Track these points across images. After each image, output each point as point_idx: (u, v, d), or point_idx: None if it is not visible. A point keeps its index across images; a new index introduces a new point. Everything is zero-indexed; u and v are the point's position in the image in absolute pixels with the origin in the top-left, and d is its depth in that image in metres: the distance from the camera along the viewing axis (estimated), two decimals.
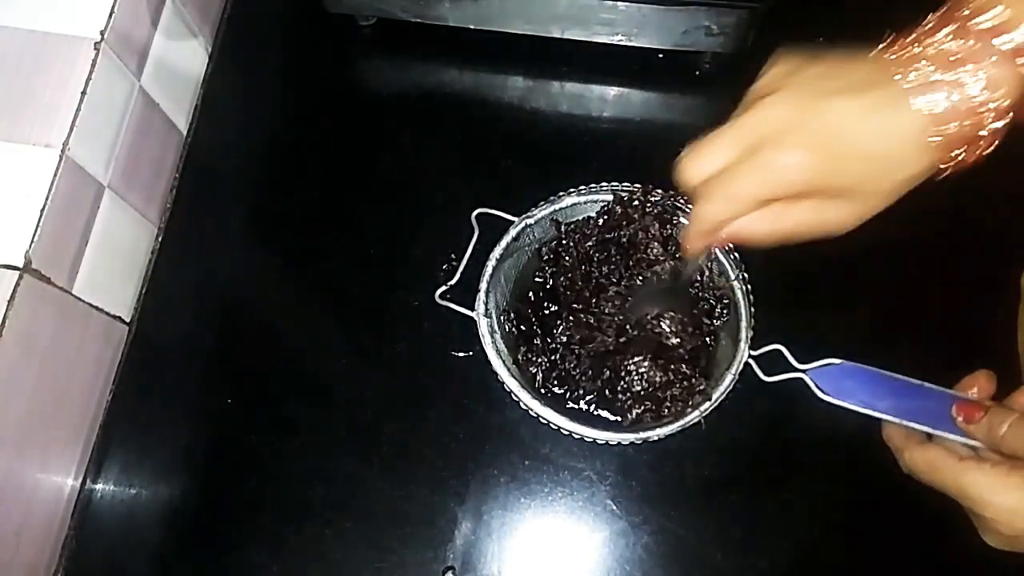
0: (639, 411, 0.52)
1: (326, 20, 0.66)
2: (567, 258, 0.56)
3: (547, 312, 0.55)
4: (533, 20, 0.63)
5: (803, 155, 0.38)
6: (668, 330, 0.54)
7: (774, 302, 0.53)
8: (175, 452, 0.57)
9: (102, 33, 0.52)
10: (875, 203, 0.40)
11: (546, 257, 0.57)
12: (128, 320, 0.60)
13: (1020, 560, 0.43)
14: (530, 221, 0.55)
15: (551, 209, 0.55)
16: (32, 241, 0.48)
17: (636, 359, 0.53)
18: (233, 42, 0.69)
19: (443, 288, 0.54)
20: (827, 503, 0.55)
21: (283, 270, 0.63)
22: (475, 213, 0.56)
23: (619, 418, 0.53)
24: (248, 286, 0.63)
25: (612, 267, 0.56)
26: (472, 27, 0.64)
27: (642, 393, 0.53)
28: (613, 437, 0.50)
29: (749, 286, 0.52)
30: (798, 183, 0.39)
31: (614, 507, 0.55)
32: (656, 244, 0.55)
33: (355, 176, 0.65)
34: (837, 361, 0.51)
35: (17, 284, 0.47)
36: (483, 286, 0.53)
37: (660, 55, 0.66)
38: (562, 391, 0.54)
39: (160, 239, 0.63)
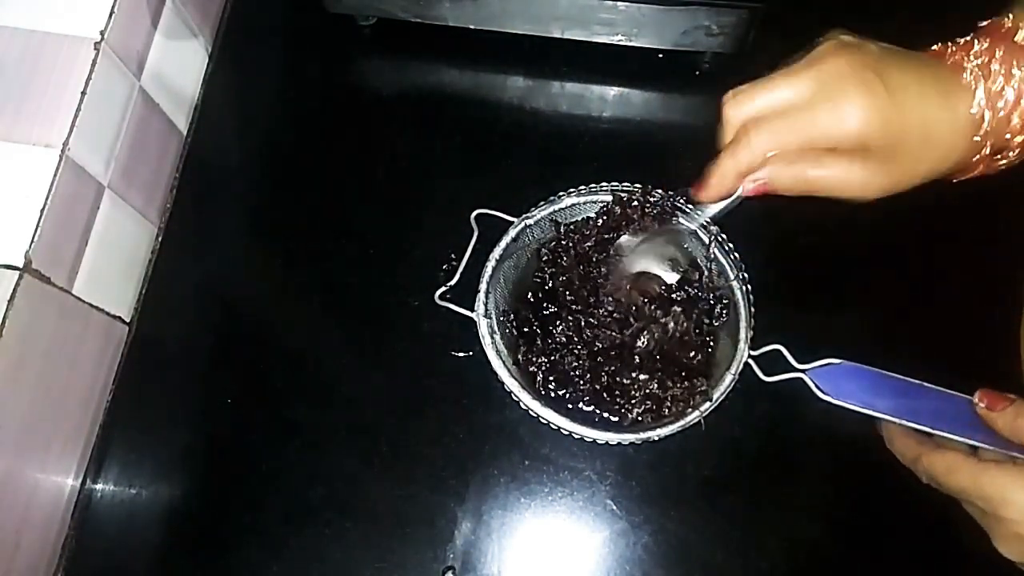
0: (639, 411, 0.52)
1: (326, 20, 0.66)
2: (567, 259, 0.56)
3: (547, 312, 0.55)
4: (533, 20, 0.63)
5: (869, 111, 0.39)
6: (668, 330, 0.54)
7: (774, 302, 0.53)
8: (175, 452, 0.57)
9: (102, 33, 0.52)
10: (905, 180, 0.41)
11: (546, 258, 0.57)
12: (128, 320, 0.60)
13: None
14: (530, 222, 0.55)
15: (551, 209, 0.55)
16: (32, 241, 0.48)
17: (636, 359, 0.53)
18: (233, 42, 0.69)
19: (443, 288, 0.54)
20: (827, 503, 0.55)
21: (283, 270, 0.63)
22: (475, 214, 0.56)
23: (619, 418, 0.53)
24: (248, 286, 0.63)
25: (611, 267, 0.55)
26: (472, 27, 0.64)
27: (642, 393, 0.53)
28: (613, 437, 0.50)
29: (749, 286, 0.52)
30: (852, 135, 0.40)
31: (614, 507, 0.55)
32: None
33: (355, 176, 0.65)
34: (837, 361, 0.50)
35: (17, 284, 0.47)
36: (483, 286, 0.53)
37: (660, 55, 0.66)
38: (562, 391, 0.54)
39: (160, 239, 0.63)
